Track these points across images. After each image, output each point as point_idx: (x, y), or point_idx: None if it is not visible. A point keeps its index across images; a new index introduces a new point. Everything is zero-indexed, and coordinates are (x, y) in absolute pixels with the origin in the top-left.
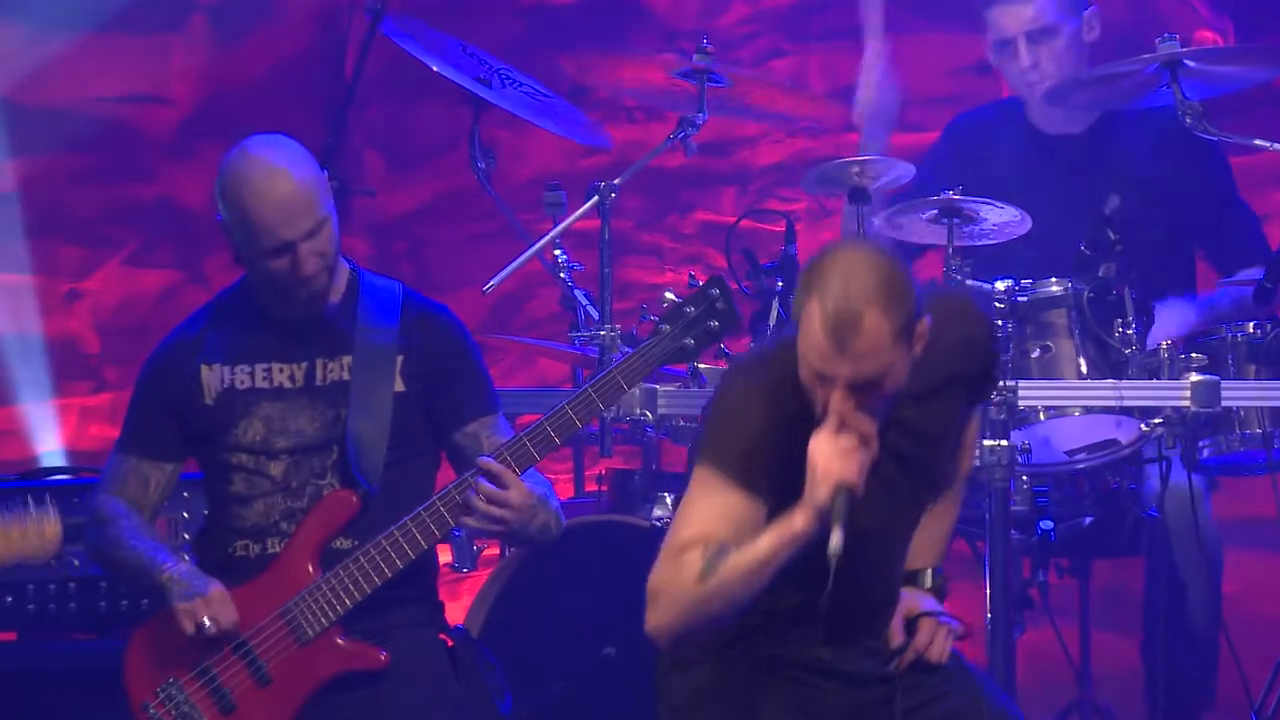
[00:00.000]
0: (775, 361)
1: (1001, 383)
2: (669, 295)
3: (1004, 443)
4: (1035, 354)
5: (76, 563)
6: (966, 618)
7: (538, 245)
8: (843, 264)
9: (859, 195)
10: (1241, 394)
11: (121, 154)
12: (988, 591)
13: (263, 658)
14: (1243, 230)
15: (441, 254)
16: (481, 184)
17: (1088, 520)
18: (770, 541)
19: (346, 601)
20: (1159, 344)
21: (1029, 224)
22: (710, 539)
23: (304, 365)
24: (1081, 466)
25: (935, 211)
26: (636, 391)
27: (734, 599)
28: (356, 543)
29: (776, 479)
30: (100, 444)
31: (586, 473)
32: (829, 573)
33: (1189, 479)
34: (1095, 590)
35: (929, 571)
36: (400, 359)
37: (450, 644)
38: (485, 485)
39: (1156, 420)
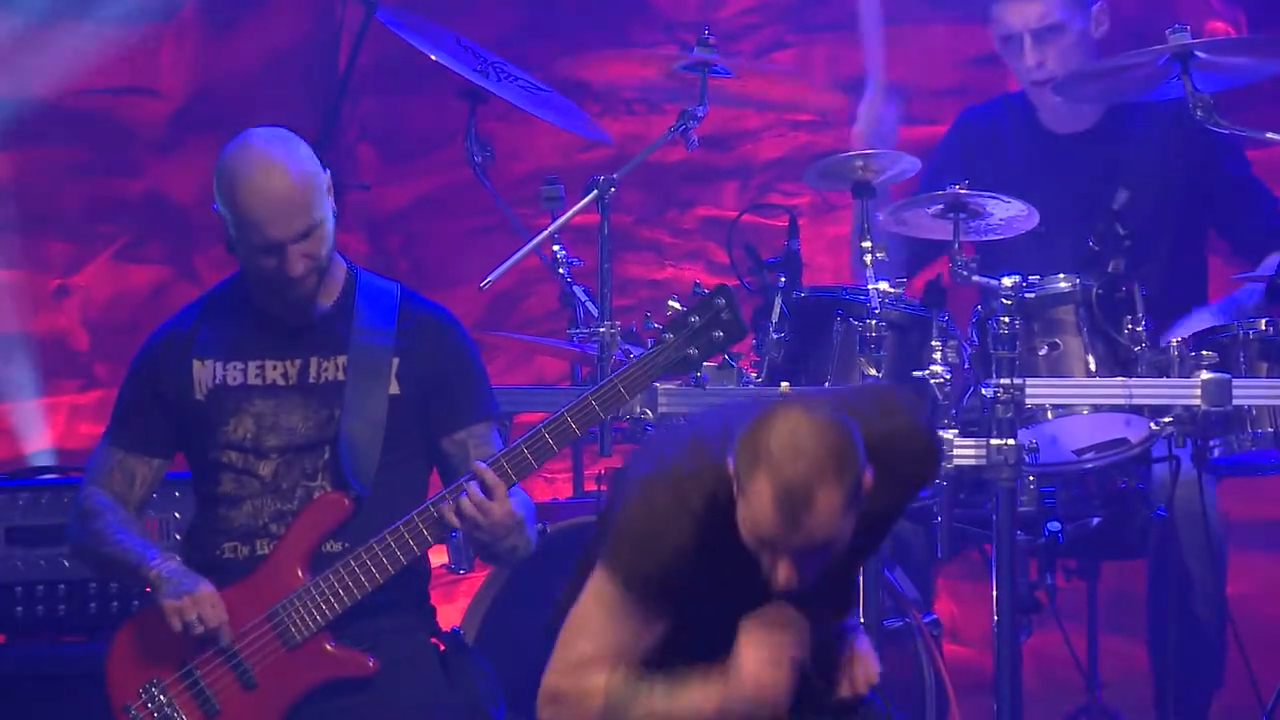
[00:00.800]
0: (705, 479)
1: (1006, 381)
2: (673, 304)
3: (1011, 442)
4: (1043, 351)
5: (66, 564)
6: (973, 621)
7: (536, 241)
8: (788, 433)
9: (863, 190)
10: (1253, 392)
11: (111, 147)
12: (994, 594)
13: (249, 661)
14: (1265, 213)
15: (437, 249)
16: (478, 178)
17: (1096, 521)
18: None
19: (335, 606)
20: (1169, 341)
21: (1036, 218)
22: (615, 661)
23: (298, 362)
24: (1090, 466)
25: (941, 206)
26: None
27: None
28: (347, 546)
29: (685, 596)
30: (90, 442)
31: (586, 472)
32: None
33: (1199, 478)
34: (1103, 593)
35: None
36: (396, 361)
37: (442, 649)
38: (475, 490)
39: (1166, 419)
